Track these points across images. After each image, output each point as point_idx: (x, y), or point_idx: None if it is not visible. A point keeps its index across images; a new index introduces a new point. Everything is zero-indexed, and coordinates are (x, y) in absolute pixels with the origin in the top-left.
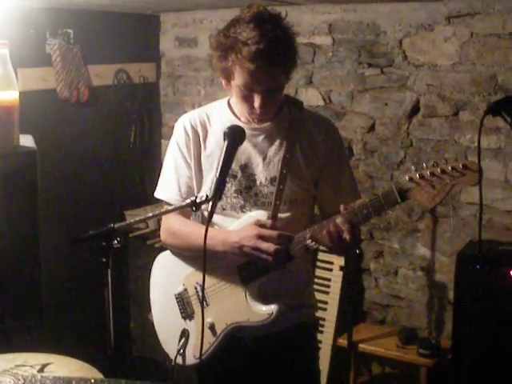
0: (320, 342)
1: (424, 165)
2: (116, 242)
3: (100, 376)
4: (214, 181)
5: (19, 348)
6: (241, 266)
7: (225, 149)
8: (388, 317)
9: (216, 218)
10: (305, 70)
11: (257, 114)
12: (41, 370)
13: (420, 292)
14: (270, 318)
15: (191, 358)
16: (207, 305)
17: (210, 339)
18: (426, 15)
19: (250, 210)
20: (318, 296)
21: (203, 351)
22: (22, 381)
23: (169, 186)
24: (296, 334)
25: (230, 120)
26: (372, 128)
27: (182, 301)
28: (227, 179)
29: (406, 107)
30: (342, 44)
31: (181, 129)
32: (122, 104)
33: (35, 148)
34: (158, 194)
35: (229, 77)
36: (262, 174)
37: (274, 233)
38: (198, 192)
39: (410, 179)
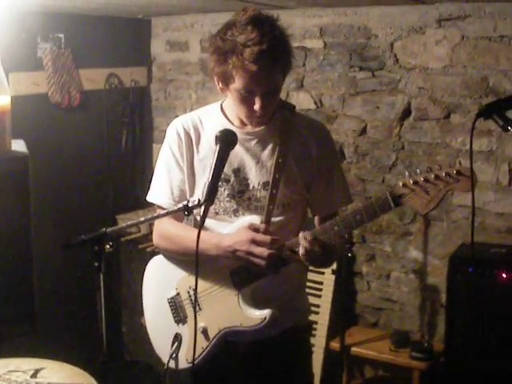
0: (313, 345)
1: (418, 170)
2: (108, 246)
3: (92, 381)
4: (206, 185)
5: (11, 353)
6: (234, 271)
7: (216, 153)
8: (380, 320)
9: (209, 222)
10: (296, 74)
11: (256, 117)
12: (34, 376)
13: (412, 295)
14: (263, 323)
15: (184, 363)
16: (200, 309)
17: (202, 344)
18: (417, 18)
19: (243, 215)
20: (311, 300)
21: (196, 355)
22: None
23: (161, 190)
24: (289, 338)
25: (222, 124)
26: (363, 131)
27: (175, 305)
28: (220, 183)
29: (397, 110)
30: (334, 47)
31: (173, 132)
32: (113, 108)
33: (27, 153)
34: (151, 197)
35: (227, 80)
36: (254, 178)
37: (267, 238)
38: (191, 196)
39: (404, 185)
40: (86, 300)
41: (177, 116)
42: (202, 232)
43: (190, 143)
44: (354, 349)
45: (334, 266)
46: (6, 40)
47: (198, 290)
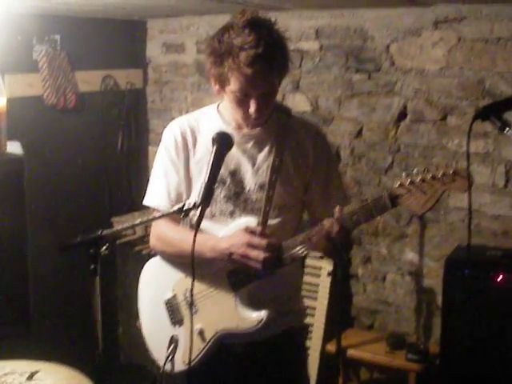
0: (308, 347)
1: (414, 171)
2: (104, 248)
3: (88, 383)
4: (202, 187)
5: (7, 356)
6: (230, 273)
7: (213, 155)
8: (376, 322)
9: (205, 223)
10: (292, 76)
11: (252, 119)
12: (29, 378)
13: (408, 297)
14: (260, 325)
15: (180, 365)
16: (196, 311)
17: (199, 345)
18: (414, 20)
19: (240, 216)
20: (307, 302)
21: (192, 357)
22: None
23: (158, 193)
24: (285, 340)
25: (219, 126)
26: (359, 133)
27: (172, 307)
28: (216, 185)
29: (393, 112)
30: (330, 49)
31: (170, 135)
32: (109, 110)
33: (22, 154)
34: (147, 200)
35: (223, 82)
36: (251, 180)
37: (264, 241)
38: (188, 198)
39: (401, 185)
40: (82, 302)
41: (173, 118)
42: (198, 234)
43: (187, 145)
44: (349, 351)
45: (330, 268)
46: (1, 42)
47: (195, 291)
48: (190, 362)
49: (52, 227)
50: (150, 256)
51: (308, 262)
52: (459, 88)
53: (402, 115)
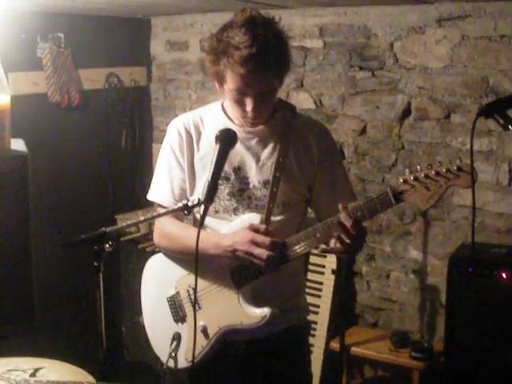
0: (312, 345)
1: (418, 167)
2: (108, 245)
3: (92, 380)
4: (206, 184)
5: (11, 352)
6: (233, 269)
7: (216, 152)
8: (380, 320)
9: (209, 220)
10: (296, 74)
11: (249, 118)
12: (33, 375)
13: (412, 295)
14: (263, 321)
15: (183, 362)
16: (199, 308)
17: (202, 342)
18: (417, 18)
19: (243, 213)
20: (310, 299)
21: (195, 354)
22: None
23: (162, 189)
24: (288, 337)
25: (223, 123)
26: (363, 131)
27: (174, 304)
28: (220, 182)
29: (397, 110)
30: (333, 47)
31: (174, 131)
32: (112, 108)
33: (26, 152)
34: (151, 196)
35: (221, 80)
36: (255, 177)
37: (267, 239)
38: (191, 194)
39: (405, 181)
40: (86, 299)
41: (176, 116)
42: (202, 231)
43: (191, 142)
44: (353, 349)
45: (334, 266)
46: (5, 40)
47: (198, 288)
48: (193, 360)
49: (56, 224)
50: (153, 253)
51: (312, 259)
52: (463, 86)
53: (406, 113)
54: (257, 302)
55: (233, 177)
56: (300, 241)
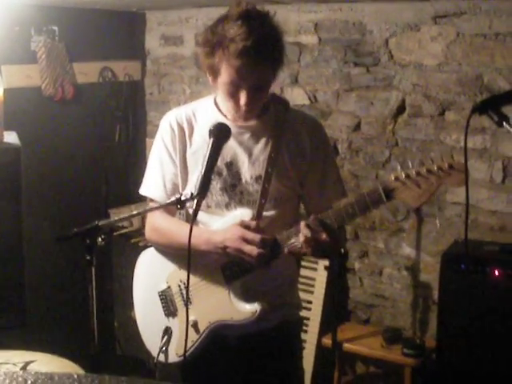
0: (304, 341)
1: (410, 164)
2: (100, 239)
3: (82, 373)
4: (199, 179)
5: (2, 346)
6: (224, 265)
7: (210, 146)
8: (372, 316)
9: (201, 215)
10: (290, 69)
11: (242, 112)
12: (23, 368)
13: (405, 292)
14: (254, 317)
15: (174, 356)
16: (190, 303)
17: (192, 337)
18: (413, 15)
19: (235, 208)
20: (303, 295)
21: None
22: (3, 376)
23: (154, 183)
24: (280, 332)
25: (216, 118)
26: (357, 127)
27: (166, 298)
28: (212, 177)
29: (391, 107)
30: (328, 43)
31: (166, 125)
32: (106, 102)
33: (19, 145)
34: (143, 190)
35: (215, 73)
36: (247, 172)
37: (258, 236)
38: (183, 189)
39: (396, 178)
40: (78, 293)
41: (170, 110)
42: (194, 227)
43: (183, 136)
44: (345, 345)
45: (327, 262)
46: None
47: (189, 283)
48: (184, 354)
49: (48, 218)
50: (146, 248)
51: None
52: (457, 83)
53: (400, 109)
54: (247, 298)
55: (225, 172)
56: (291, 237)
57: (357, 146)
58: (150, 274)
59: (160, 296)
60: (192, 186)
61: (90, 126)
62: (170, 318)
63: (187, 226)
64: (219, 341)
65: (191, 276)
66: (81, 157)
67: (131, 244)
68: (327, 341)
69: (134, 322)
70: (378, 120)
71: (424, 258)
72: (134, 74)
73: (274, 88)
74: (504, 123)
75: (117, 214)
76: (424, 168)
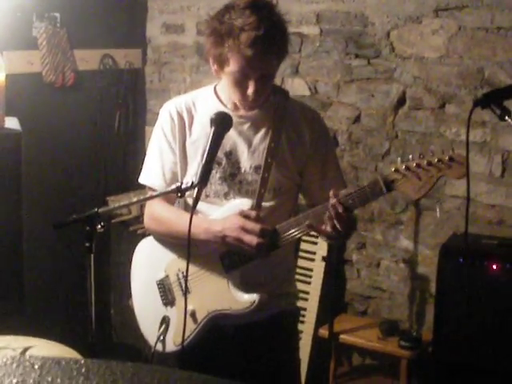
0: (301, 332)
1: (410, 156)
2: (99, 226)
3: (80, 358)
4: (200, 167)
5: (1, 331)
6: (223, 254)
7: (211, 135)
8: (369, 308)
9: (200, 204)
10: (291, 60)
11: (249, 101)
12: (23, 353)
13: (402, 284)
14: (252, 307)
15: (171, 345)
16: (189, 292)
17: (190, 326)
18: (415, 7)
19: (234, 198)
20: (300, 286)
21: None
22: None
23: (153, 172)
24: (277, 323)
25: (216, 107)
26: (357, 119)
27: (164, 287)
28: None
29: (392, 99)
30: (330, 34)
31: (166, 114)
32: (107, 89)
33: (20, 130)
34: (142, 179)
35: (222, 63)
36: (246, 161)
37: (257, 226)
38: (183, 178)
39: (396, 170)
40: (76, 280)
41: (171, 99)
42: (193, 216)
43: (183, 125)
44: (342, 336)
45: (325, 253)
46: (1, 18)
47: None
48: (182, 343)
49: (47, 205)
50: (144, 236)
51: (303, 246)
52: (458, 76)
53: (401, 102)
54: (246, 288)
55: (224, 161)
56: (291, 227)
57: (357, 138)
58: (148, 263)
59: (158, 285)
60: (192, 175)
61: (90, 112)
62: (168, 307)
63: (187, 215)
64: (217, 330)
65: (190, 265)
66: (80, 143)
67: (129, 231)
68: (324, 332)
69: (131, 309)
70: (378, 112)
71: (422, 251)
72: (135, 62)
73: (275, 78)
74: (506, 117)
75: (115, 202)
76: (424, 160)
